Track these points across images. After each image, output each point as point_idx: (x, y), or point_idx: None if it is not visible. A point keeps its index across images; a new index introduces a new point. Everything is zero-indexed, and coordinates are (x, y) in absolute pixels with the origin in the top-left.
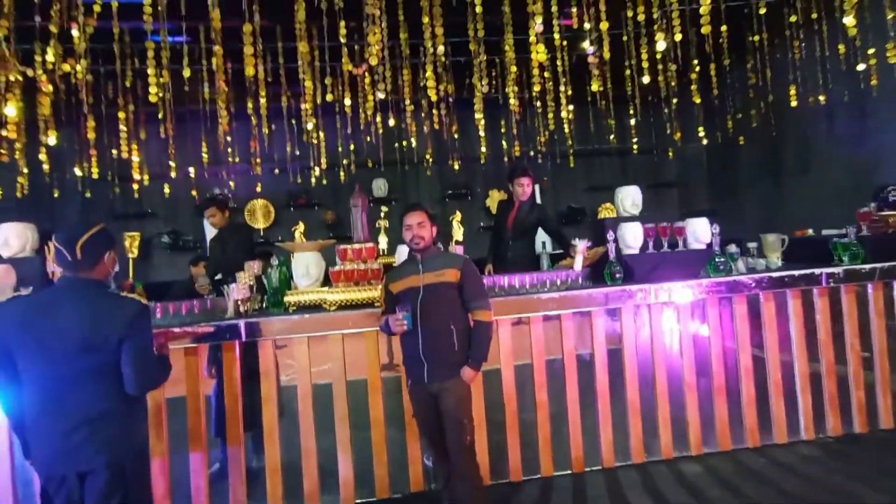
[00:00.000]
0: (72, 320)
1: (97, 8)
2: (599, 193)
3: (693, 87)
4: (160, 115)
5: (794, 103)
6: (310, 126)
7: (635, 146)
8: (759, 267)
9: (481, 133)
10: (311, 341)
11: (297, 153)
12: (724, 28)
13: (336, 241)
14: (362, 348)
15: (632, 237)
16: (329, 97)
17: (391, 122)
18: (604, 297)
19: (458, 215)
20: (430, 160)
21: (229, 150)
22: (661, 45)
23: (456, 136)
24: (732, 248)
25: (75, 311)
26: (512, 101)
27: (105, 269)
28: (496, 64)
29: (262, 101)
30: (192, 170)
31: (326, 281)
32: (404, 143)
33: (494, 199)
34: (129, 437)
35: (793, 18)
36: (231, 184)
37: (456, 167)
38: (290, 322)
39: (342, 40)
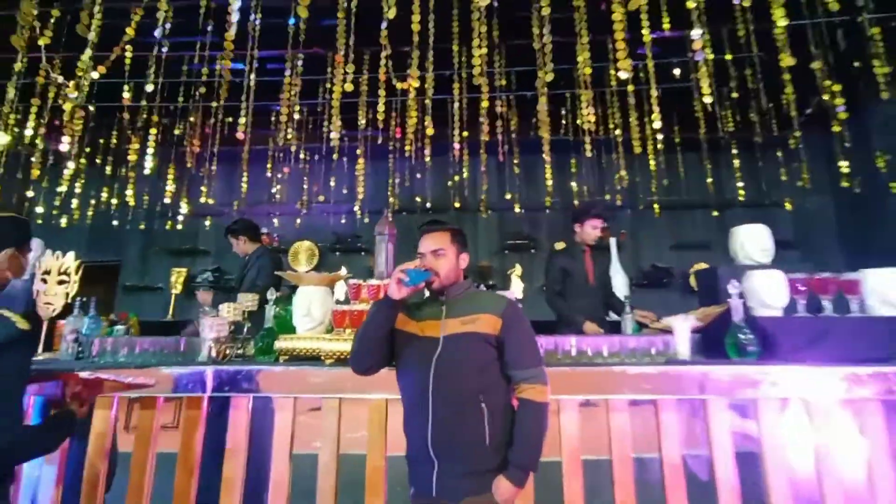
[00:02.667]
0: None
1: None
2: (691, 252)
3: (841, 116)
4: (212, 150)
5: None
6: (358, 166)
7: (741, 192)
8: None
9: (548, 176)
10: (301, 407)
11: (345, 191)
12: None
13: (351, 276)
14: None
15: (769, 291)
16: (362, 122)
17: (431, 155)
18: (730, 380)
19: (519, 269)
20: (485, 206)
21: (278, 186)
22: (789, 62)
23: (516, 169)
24: None
25: None
26: (588, 125)
27: None
28: (565, 99)
29: (291, 137)
30: (235, 204)
31: None
32: (454, 178)
33: None
34: None
35: None
36: (275, 221)
37: (517, 209)
38: (269, 376)
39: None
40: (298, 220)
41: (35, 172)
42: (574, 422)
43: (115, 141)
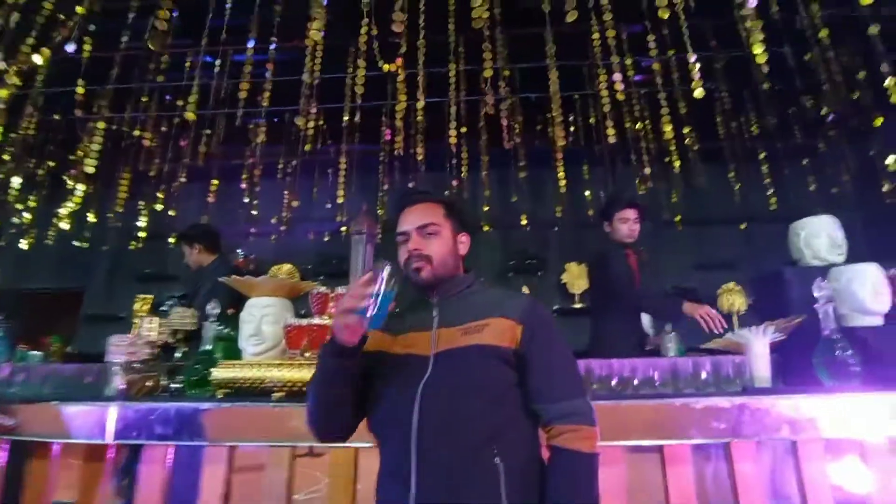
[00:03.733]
0: None
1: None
2: (715, 273)
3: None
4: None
5: None
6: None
7: (773, 201)
8: None
9: (560, 175)
10: (238, 459)
11: (328, 206)
12: None
13: (321, 284)
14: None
15: (870, 293)
16: (346, 118)
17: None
18: (830, 414)
19: (526, 291)
20: (488, 222)
21: (254, 201)
22: None
23: (522, 172)
24: None
25: None
26: (618, 91)
27: None
28: (574, 102)
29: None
30: (204, 219)
31: None
32: (452, 185)
33: (572, 273)
34: None
35: None
36: (251, 240)
37: (523, 221)
38: (194, 417)
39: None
40: (274, 237)
41: None
42: (621, 477)
43: (80, 153)
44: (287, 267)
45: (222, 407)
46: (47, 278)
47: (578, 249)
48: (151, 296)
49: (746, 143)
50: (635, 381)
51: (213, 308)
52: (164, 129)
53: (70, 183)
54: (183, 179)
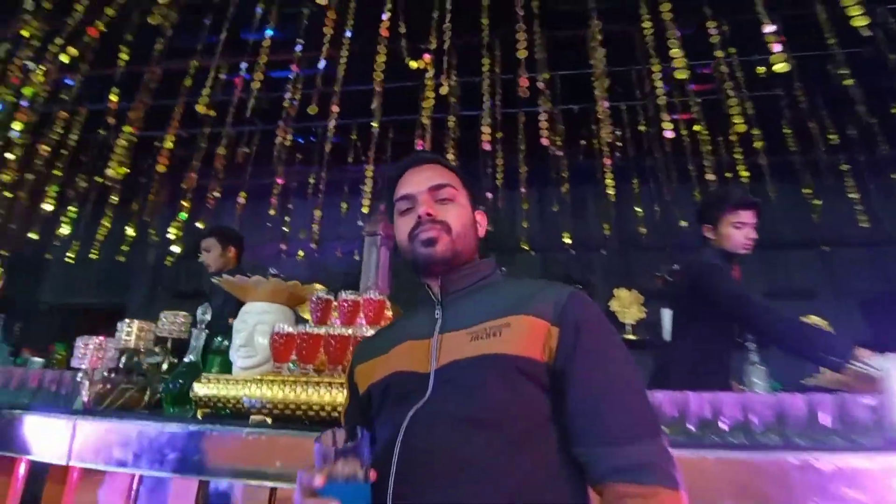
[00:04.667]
0: None
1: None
2: (790, 302)
3: None
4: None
5: None
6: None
7: (863, 219)
8: None
9: (609, 183)
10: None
11: (360, 223)
12: None
13: (323, 289)
14: None
15: None
16: (375, 125)
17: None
18: None
19: None
20: (527, 243)
21: (285, 217)
22: None
23: (565, 187)
24: None
25: None
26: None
27: None
28: (620, 113)
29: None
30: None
31: None
32: (486, 196)
33: (623, 300)
34: None
35: None
36: (282, 256)
37: (566, 239)
38: (156, 439)
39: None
40: (302, 253)
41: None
42: None
43: (119, 168)
44: (318, 287)
45: (189, 430)
46: (93, 293)
47: (628, 274)
48: (185, 313)
49: (823, 154)
50: (722, 426)
51: (202, 313)
52: (203, 145)
53: (114, 199)
54: (217, 194)
